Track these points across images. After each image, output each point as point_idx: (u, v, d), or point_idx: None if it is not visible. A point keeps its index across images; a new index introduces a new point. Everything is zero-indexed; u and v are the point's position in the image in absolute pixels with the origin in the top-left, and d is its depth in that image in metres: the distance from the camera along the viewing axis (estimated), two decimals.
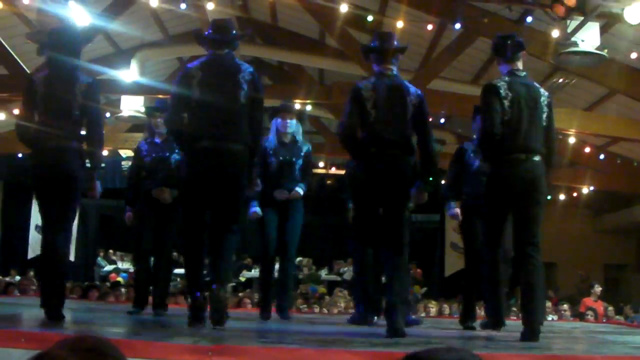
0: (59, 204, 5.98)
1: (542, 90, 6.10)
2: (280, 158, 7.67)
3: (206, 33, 6.12)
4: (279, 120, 7.72)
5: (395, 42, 6.28)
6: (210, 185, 5.81)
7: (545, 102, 6.03)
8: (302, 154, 7.79)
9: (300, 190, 7.70)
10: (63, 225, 6.02)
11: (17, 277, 17.06)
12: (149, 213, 7.78)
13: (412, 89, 6.03)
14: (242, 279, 19.02)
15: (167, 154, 7.80)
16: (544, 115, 5.99)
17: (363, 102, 5.85)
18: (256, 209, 7.61)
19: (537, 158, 5.89)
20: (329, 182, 21.09)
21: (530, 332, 5.63)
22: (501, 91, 5.89)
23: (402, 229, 5.87)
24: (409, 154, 5.93)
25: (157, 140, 7.94)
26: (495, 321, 6.94)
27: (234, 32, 6.22)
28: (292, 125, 7.74)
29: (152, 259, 7.91)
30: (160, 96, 11.04)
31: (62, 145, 5.88)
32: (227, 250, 5.89)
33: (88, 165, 6.03)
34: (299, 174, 7.75)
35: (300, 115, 7.93)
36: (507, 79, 6.04)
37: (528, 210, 5.89)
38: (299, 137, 7.85)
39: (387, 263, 5.82)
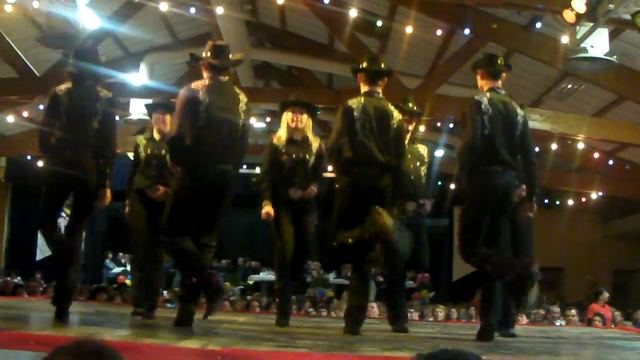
0: (75, 211, 6.37)
1: (518, 109, 6.42)
2: (293, 156, 7.37)
3: (205, 55, 6.36)
4: (290, 114, 7.45)
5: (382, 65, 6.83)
6: (206, 202, 6.18)
7: (521, 120, 6.35)
8: (315, 151, 7.49)
9: (314, 187, 7.40)
10: (79, 228, 6.38)
11: (18, 279, 17.07)
12: (142, 211, 7.73)
13: (395, 113, 6.64)
14: (250, 282, 19.03)
15: (163, 151, 7.63)
16: (517, 132, 6.29)
17: (353, 122, 6.39)
18: (267, 210, 7.24)
19: (511, 172, 6.27)
20: (337, 186, 21.05)
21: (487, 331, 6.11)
22: (483, 106, 6.21)
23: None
24: (392, 168, 6.51)
25: (156, 137, 7.91)
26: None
27: (231, 58, 6.54)
28: (303, 120, 7.46)
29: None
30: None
31: (82, 154, 6.17)
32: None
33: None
34: (311, 172, 7.47)
35: (312, 110, 7.65)
36: (488, 95, 6.34)
37: (497, 220, 6.28)
38: (310, 134, 7.55)
39: None
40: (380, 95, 6.65)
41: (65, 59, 6.50)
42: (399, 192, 6.63)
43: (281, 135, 7.50)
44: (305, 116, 7.47)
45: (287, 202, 7.33)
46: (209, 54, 6.31)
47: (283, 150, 7.41)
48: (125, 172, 18.51)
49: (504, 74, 6.56)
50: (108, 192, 6.36)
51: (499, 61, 6.61)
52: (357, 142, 6.35)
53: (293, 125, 7.42)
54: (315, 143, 7.57)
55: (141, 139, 8.09)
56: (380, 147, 6.43)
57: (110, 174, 6.38)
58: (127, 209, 8.09)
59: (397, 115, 6.60)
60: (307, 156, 7.43)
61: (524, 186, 6.58)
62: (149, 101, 14.36)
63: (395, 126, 6.53)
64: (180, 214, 6.18)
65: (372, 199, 6.30)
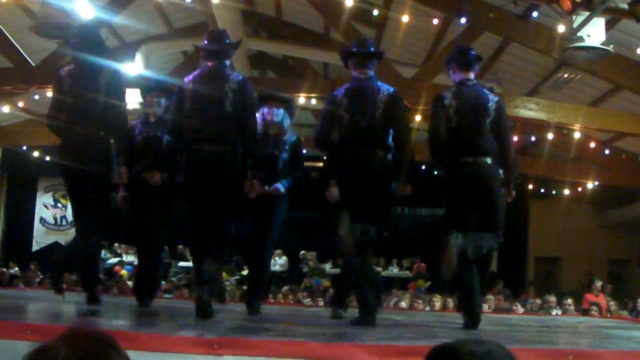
0: (89, 192, 6.38)
1: (490, 96, 6.43)
2: (262, 151, 7.11)
3: (203, 44, 6.41)
4: (265, 108, 7.34)
5: (372, 48, 6.63)
6: (199, 186, 6.13)
7: (494, 107, 6.34)
8: (287, 147, 7.36)
9: (281, 187, 7.21)
10: (95, 214, 6.49)
11: (16, 269, 17.07)
12: (140, 196, 7.62)
13: (384, 87, 6.38)
14: (245, 272, 19.01)
15: (159, 133, 7.48)
16: (489, 120, 6.29)
17: (337, 108, 6.30)
18: None
19: (486, 160, 6.27)
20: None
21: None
22: (446, 101, 6.29)
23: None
24: (383, 151, 6.33)
25: (151, 119, 7.74)
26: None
27: (228, 41, 6.50)
28: (280, 114, 7.33)
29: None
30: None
31: (89, 134, 6.24)
32: (212, 252, 6.13)
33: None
34: (283, 168, 7.32)
35: (288, 104, 7.59)
36: (454, 89, 6.43)
37: (484, 209, 6.30)
38: (286, 128, 7.39)
39: None
40: (370, 75, 6.45)
41: (63, 47, 6.51)
42: (399, 169, 6.38)
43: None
44: (281, 111, 7.36)
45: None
46: (205, 41, 6.37)
47: None
48: None
49: (476, 67, 6.55)
50: (123, 169, 6.47)
51: (467, 53, 6.59)
52: (343, 125, 6.29)
53: (269, 119, 7.30)
54: (290, 138, 7.46)
55: (132, 125, 7.94)
56: (367, 125, 6.24)
57: (124, 150, 6.49)
58: (120, 194, 7.82)
59: (386, 89, 6.37)
60: (277, 152, 7.31)
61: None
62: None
63: (384, 100, 6.29)
64: (188, 200, 6.33)
65: (365, 180, 6.22)
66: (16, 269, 17.02)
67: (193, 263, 6.53)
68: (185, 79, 6.34)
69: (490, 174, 6.31)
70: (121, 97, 6.54)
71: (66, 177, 6.49)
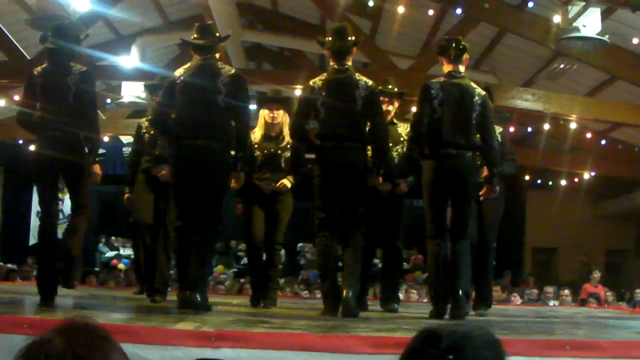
0: (71, 190, 6.42)
1: (477, 90, 6.44)
2: (265, 151, 7.64)
3: (192, 38, 6.38)
4: (266, 111, 7.67)
5: (349, 38, 6.51)
6: (188, 180, 6.12)
7: (479, 101, 6.36)
8: (288, 145, 7.62)
9: (287, 182, 7.58)
10: (82, 206, 6.43)
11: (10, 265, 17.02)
12: (148, 191, 7.67)
13: (362, 82, 6.34)
14: (243, 265, 19.02)
15: None
16: (475, 114, 6.31)
17: (313, 102, 6.31)
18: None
19: (466, 153, 6.31)
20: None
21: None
22: (432, 91, 6.33)
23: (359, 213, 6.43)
24: (360, 144, 6.36)
25: None
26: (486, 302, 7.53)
27: (217, 35, 6.48)
28: (280, 116, 7.64)
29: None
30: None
31: (61, 134, 6.13)
32: (198, 253, 6.10)
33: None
34: (286, 165, 7.66)
35: (288, 105, 7.76)
36: (442, 79, 6.45)
37: (457, 203, 6.40)
38: (286, 128, 7.60)
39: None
40: (347, 67, 6.40)
41: (45, 36, 6.40)
42: (377, 164, 6.50)
43: (256, 131, 7.74)
44: (281, 112, 7.65)
45: (259, 193, 7.61)
46: (194, 35, 6.35)
47: (256, 146, 7.64)
48: (118, 155, 18.42)
49: (464, 58, 6.55)
50: (97, 167, 6.40)
51: (454, 45, 6.54)
52: (320, 120, 6.33)
53: (270, 121, 7.65)
54: (289, 136, 7.60)
55: (143, 121, 8.02)
56: (346, 118, 6.27)
57: (95, 150, 6.38)
58: (126, 196, 8.03)
59: (364, 83, 6.33)
60: (280, 151, 7.65)
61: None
62: (141, 84, 14.41)
63: (362, 94, 6.27)
64: (174, 192, 6.36)
65: (342, 174, 6.26)
66: (11, 265, 16.95)
67: (178, 262, 6.61)
68: (176, 72, 6.33)
69: (469, 167, 6.35)
70: (91, 95, 6.46)
71: (40, 170, 6.31)
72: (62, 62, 6.29)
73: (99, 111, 6.82)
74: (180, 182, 6.21)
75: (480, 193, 6.61)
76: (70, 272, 6.49)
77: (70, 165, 6.18)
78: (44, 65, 6.37)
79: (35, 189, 20.95)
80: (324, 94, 6.26)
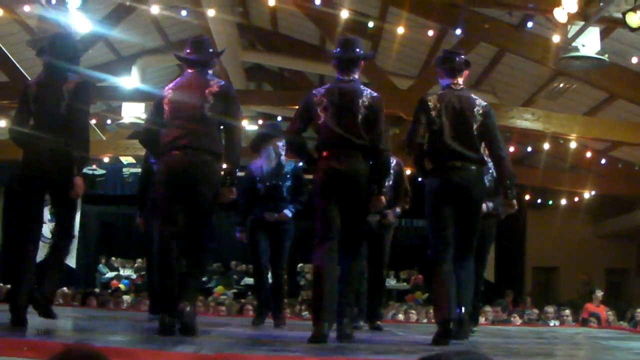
0: (57, 206, 6.25)
1: (478, 101, 6.23)
2: (267, 183, 8.03)
3: (185, 52, 6.23)
4: (277, 145, 7.97)
5: (358, 50, 6.30)
6: (175, 192, 5.86)
7: (480, 112, 6.15)
8: (289, 175, 8.08)
9: (288, 212, 8.04)
10: (68, 228, 6.35)
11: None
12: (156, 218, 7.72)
13: (366, 91, 6.08)
14: (243, 285, 18.97)
15: None
16: (476, 125, 6.10)
17: (313, 106, 6.02)
18: (238, 234, 8.41)
19: (469, 166, 6.06)
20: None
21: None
22: (430, 104, 6.13)
23: (360, 233, 6.12)
24: (361, 155, 5.97)
25: None
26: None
27: (210, 50, 6.31)
28: (281, 148, 8.01)
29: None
30: None
31: (52, 148, 5.94)
32: (193, 267, 5.90)
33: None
34: (288, 196, 8.09)
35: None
36: (440, 92, 6.29)
37: (462, 217, 6.08)
38: (282, 158, 8.07)
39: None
40: (353, 78, 6.13)
41: (38, 53, 6.31)
42: (378, 176, 6.12)
43: (263, 165, 8.08)
44: (281, 143, 7.96)
45: (263, 223, 8.05)
46: (187, 50, 6.20)
47: (258, 178, 8.05)
48: (119, 176, 18.44)
49: (465, 72, 6.42)
50: (80, 180, 6.03)
51: (455, 58, 6.42)
52: (320, 125, 6.00)
53: (281, 152, 8.01)
54: (288, 167, 8.09)
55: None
56: (347, 129, 5.91)
57: (81, 163, 6.06)
58: (138, 220, 8.22)
59: (368, 93, 6.05)
60: (280, 182, 8.03)
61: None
62: (142, 105, 14.44)
63: (365, 103, 5.97)
64: (160, 203, 6.05)
65: (343, 184, 5.90)
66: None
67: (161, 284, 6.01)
68: (165, 88, 6.16)
69: (473, 180, 6.05)
70: (85, 108, 6.22)
71: (26, 184, 6.17)
72: (58, 71, 6.12)
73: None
74: (168, 196, 5.91)
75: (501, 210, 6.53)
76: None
77: (58, 182, 5.97)
78: (38, 76, 6.23)
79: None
80: (325, 100, 6.00)
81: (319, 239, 5.89)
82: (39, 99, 6.05)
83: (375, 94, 6.10)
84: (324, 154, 5.97)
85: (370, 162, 6.03)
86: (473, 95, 6.34)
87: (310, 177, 6.54)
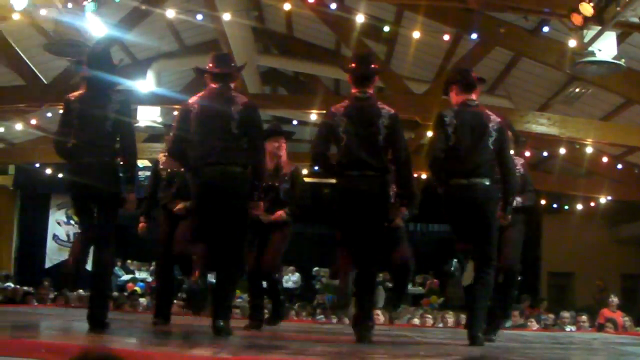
0: (99, 218, 6.32)
1: (492, 117, 6.36)
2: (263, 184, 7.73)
3: (208, 67, 6.37)
4: (274, 144, 7.84)
5: (373, 65, 6.49)
6: (210, 208, 6.07)
7: (495, 128, 6.29)
8: (287, 177, 7.90)
9: (283, 214, 7.80)
10: (107, 239, 6.38)
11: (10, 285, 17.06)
12: (167, 226, 7.80)
13: (384, 110, 6.20)
14: None
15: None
16: (491, 140, 6.23)
17: (335, 128, 6.14)
18: None
19: (482, 182, 6.19)
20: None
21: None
22: (446, 119, 6.27)
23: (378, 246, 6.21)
24: (383, 173, 6.14)
25: None
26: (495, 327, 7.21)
27: (233, 65, 6.57)
28: (282, 148, 7.96)
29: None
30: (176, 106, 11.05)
31: (97, 161, 6.14)
32: (225, 282, 6.09)
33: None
34: (284, 197, 7.88)
35: (288, 136, 8.08)
36: (455, 108, 6.39)
37: (476, 232, 6.27)
38: (283, 160, 7.96)
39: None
40: (368, 95, 6.27)
41: (75, 66, 6.46)
42: (401, 194, 6.41)
43: None
44: (283, 144, 7.95)
45: (258, 224, 7.60)
46: (210, 64, 6.35)
47: None
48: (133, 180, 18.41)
49: (478, 87, 6.55)
50: (132, 196, 6.29)
51: (470, 76, 6.56)
52: (341, 147, 6.13)
53: (280, 153, 7.89)
54: (287, 169, 7.95)
55: (161, 156, 8.18)
56: (369, 147, 6.08)
57: (131, 178, 6.32)
58: (140, 225, 8.15)
59: (386, 112, 6.17)
60: (277, 183, 7.84)
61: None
62: (157, 108, 14.47)
63: (385, 123, 6.11)
64: (195, 218, 6.37)
65: (363, 203, 6.05)
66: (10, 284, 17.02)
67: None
68: (190, 100, 6.30)
69: (485, 197, 6.21)
70: (130, 123, 6.45)
71: (75, 197, 6.36)
72: (101, 89, 6.27)
73: None
74: (203, 209, 6.15)
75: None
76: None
77: (103, 194, 6.15)
78: (81, 92, 6.32)
79: (51, 212, 21.26)
80: (345, 120, 6.12)
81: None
82: (84, 117, 6.20)
83: (392, 112, 6.23)
84: (346, 172, 6.13)
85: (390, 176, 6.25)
86: (488, 111, 6.45)
87: (308, 179, 6.63)
